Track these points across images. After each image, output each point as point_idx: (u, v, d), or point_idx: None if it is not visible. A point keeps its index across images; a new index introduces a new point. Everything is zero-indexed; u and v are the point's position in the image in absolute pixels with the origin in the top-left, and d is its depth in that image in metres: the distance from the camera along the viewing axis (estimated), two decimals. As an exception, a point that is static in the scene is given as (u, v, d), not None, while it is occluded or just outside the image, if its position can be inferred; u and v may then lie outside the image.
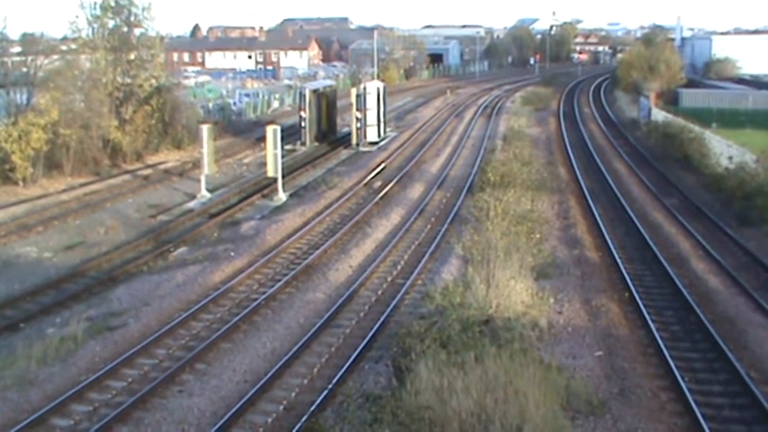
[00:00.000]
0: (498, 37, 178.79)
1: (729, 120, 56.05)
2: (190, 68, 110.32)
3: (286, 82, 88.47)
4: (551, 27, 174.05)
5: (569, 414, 13.97)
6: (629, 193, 34.07)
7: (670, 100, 64.84)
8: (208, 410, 14.80)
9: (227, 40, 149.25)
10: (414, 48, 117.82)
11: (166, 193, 34.88)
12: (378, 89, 48.23)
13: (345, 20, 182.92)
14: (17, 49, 40.88)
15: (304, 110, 46.62)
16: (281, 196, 33.15)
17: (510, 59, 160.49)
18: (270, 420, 14.37)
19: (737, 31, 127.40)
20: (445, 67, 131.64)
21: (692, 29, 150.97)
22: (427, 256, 24.24)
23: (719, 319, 19.00)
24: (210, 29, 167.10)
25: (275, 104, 68.12)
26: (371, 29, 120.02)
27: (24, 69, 38.17)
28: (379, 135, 48.49)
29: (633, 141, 50.23)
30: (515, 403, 12.62)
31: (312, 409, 14.45)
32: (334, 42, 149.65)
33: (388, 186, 34.62)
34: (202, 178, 34.27)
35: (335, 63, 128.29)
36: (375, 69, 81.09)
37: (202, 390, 15.59)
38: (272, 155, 32.88)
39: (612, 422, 14.19)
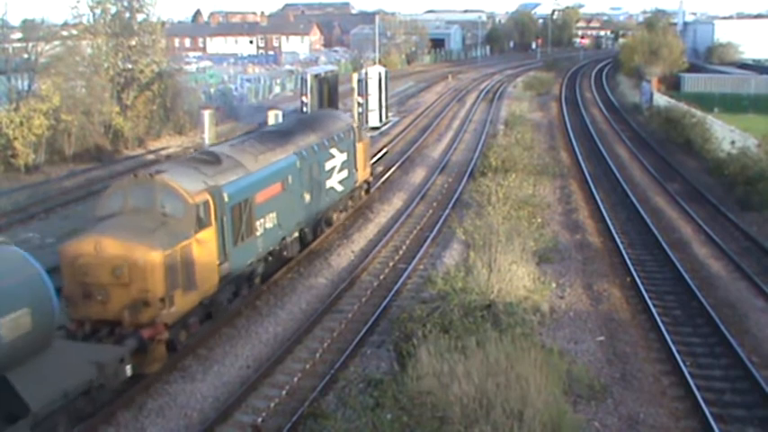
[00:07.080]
0: (500, 22, 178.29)
1: (731, 104, 55.77)
2: (191, 54, 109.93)
3: (287, 67, 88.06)
4: (553, 12, 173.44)
5: (571, 398, 14.01)
6: (631, 178, 34.03)
7: (672, 85, 64.48)
8: (210, 396, 14.88)
9: (228, 26, 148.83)
10: (415, 33, 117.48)
11: (168, 179, 34.76)
12: (379, 74, 48.10)
13: (347, 5, 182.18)
14: (18, 35, 40.78)
15: (306, 95, 46.50)
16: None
17: (512, 44, 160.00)
18: (272, 405, 14.44)
19: (740, 16, 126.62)
20: (447, 51, 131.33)
21: (694, 13, 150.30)
22: (429, 240, 24.26)
23: (721, 304, 19.02)
24: (212, 14, 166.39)
25: (277, 90, 67.99)
26: (373, 14, 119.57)
27: (25, 55, 38.08)
28: (380, 120, 48.40)
29: (635, 126, 50.10)
30: (517, 388, 12.62)
31: (314, 394, 14.52)
32: (336, 27, 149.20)
33: (390, 171, 34.58)
34: (204, 164, 34.12)
35: (337, 48, 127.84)
36: (376, 54, 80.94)
37: (204, 375, 15.65)
38: (274, 140, 32.75)
39: (614, 406, 14.24)
